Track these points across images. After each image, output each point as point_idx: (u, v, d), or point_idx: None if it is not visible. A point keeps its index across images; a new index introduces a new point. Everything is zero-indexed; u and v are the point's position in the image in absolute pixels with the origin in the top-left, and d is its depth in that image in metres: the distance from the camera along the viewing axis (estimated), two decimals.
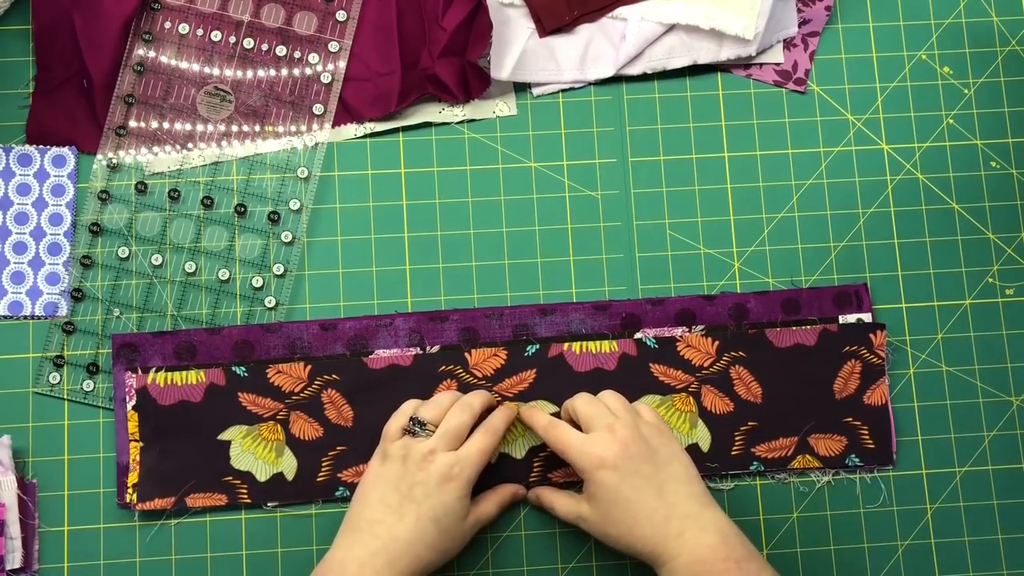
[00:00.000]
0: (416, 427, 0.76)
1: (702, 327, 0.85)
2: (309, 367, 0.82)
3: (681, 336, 0.84)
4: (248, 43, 0.87)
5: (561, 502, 0.79)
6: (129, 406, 0.81)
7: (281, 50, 0.87)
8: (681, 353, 0.84)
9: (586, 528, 0.77)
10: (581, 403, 0.77)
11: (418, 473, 0.74)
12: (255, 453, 0.82)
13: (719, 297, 0.86)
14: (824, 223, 0.88)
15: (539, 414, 0.79)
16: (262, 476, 0.82)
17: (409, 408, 0.78)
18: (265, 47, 0.87)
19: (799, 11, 0.90)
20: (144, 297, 0.84)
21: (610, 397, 0.78)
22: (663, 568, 0.72)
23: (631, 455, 0.73)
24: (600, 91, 0.89)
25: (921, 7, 0.92)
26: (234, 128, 0.86)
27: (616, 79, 0.89)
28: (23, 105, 0.86)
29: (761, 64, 0.90)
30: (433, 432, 0.76)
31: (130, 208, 0.85)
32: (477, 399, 0.79)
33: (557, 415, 0.82)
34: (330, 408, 0.82)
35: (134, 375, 0.81)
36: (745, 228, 0.88)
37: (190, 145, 0.86)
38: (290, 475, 0.82)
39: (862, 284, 0.87)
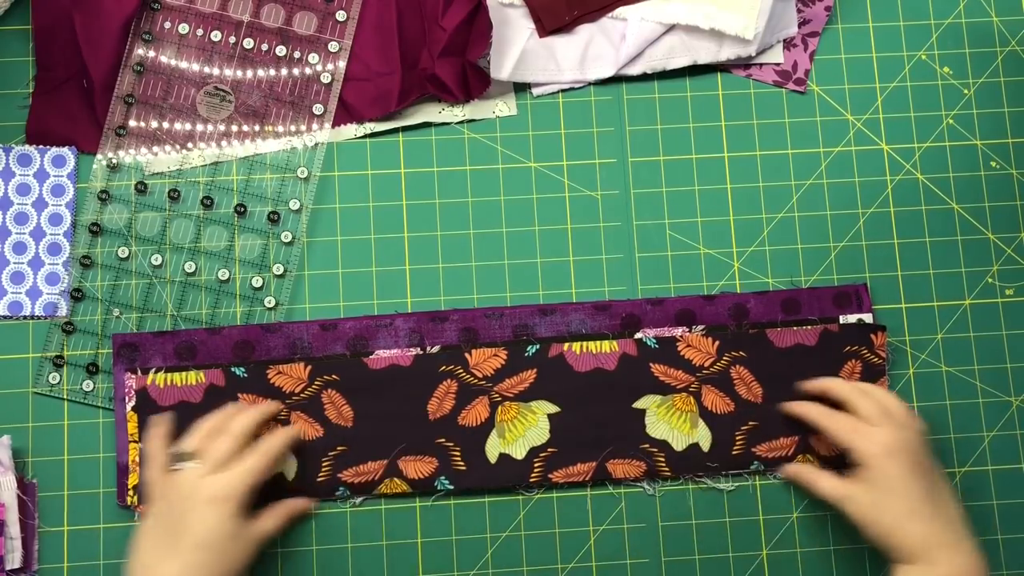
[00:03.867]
0: (180, 460, 0.75)
1: (702, 327, 0.85)
2: (309, 367, 0.82)
3: (681, 336, 0.84)
4: (248, 43, 0.87)
5: (827, 482, 0.79)
6: (128, 407, 0.81)
7: (281, 50, 0.87)
8: (681, 353, 0.84)
9: (851, 509, 0.77)
10: (865, 401, 0.78)
11: (184, 503, 0.73)
12: None
13: (719, 297, 0.86)
14: (824, 223, 0.88)
15: (812, 406, 0.80)
16: None
17: (152, 445, 0.78)
18: (265, 47, 0.87)
19: (799, 11, 0.90)
20: (144, 297, 0.84)
21: (892, 401, 0.79)
22: (913, 568, 0.74)
23: (915, 456, 0.76)
24: (600, 91, 0.89)
25: (921, 7, 0.92)
26: (234, 128, 0.86)
27: (616, 79, 0.89)
28: (23, 105, 0.86)
29: (761, 64, 0.90)
30: (197, 462, 0.75)
31: (130, 208, 0.85)
32: (238, 422, 0.77)
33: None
34: (330, 408, 0.82)
35: (133, 376, 0.81)
36: (745, 228, 0.88)
37: (190, 145, 0.86)
38: (291, 475, 0.82)
39: (862, 284, 0.87)
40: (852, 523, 0.77)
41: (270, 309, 0.84)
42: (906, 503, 0.74)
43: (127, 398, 0.81)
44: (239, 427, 0.77)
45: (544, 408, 0.83)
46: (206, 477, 0.74)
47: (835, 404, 0.81)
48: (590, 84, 0.89)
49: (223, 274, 0.85)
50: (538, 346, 0.84)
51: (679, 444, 0.83)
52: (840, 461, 0.84)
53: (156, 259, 0.85)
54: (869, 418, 0.78)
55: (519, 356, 0.84)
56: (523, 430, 0.83)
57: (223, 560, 0.73)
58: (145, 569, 0.73)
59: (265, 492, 0.81)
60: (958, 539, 0.75)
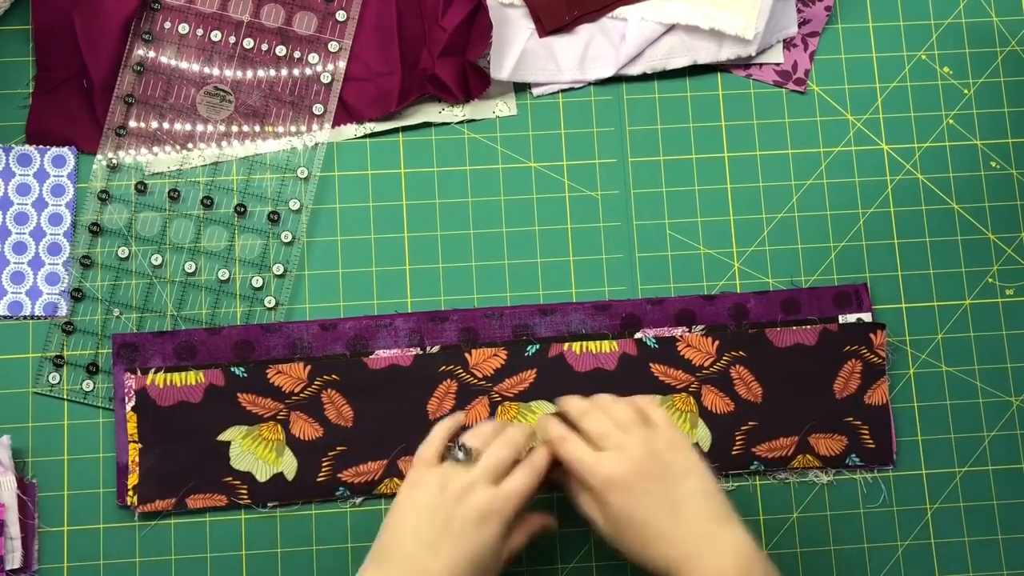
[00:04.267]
0: (460, 452, 0.71)
1: (702, 327, 0.85)
2: (309, 367, 0.82)
3: (681, 336, 0.84)
4: (248, 43, 0.87)
5: (580, 500, 0.73)
6: (128, 407, 0.81)
7: (281, 50, 0.87)
8: (681, 353, 0.84)
9: (599, 535, 0.73)
10: (588, 420, 0.73)
11: (456, 507, 0.69)
12: (255, 453, 0.82)
13: (719, 297, 0.86)
14: (824, 223, 0.88)
15: (554, 425, 0.74)
16: (262, 476, 0.82)
17: (442, 431, 0.74)
18: (265, 47, 0.87)
19: (799, 11, 0.90)
20: (144, 297, 0.84)
21: (618, 409, 0.73)
22: None
23: (643, 474, 0.70)
24: (600, 91, 0.89)
25: (921, 7, 0.92)
26: (234, 128, 0.86)
27: (616, 79, 0.89)
28: (23, 105, 0.86)
29: (761, 64, 0.90)
30: (475, 461, 0.71)
31: (130, 208, 0.85)
32: (521, 434, 0.73)
33: (558, 415, 0.82)
34: (330, 408, 0.82)
35: (133, 376, 0.81)
36: (745, 228, 0.88)
37: (190, 145, 0.86)
38: (290, 475, 0.82)
39: (862, 284, 0.87)
40: None
41: (270, 309, 0.84)
42: (639, 531, 0.69)
43: (127, 398, 0.81)
44: (518, 438, 0.73)
45: (544, 408, 0.83)
46: (484, 486, 0.70)
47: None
48: (590, 84, 0.89)
49: (223, 274, 0.85)
50: (538, 346, 0.84)
51: None
52: (840, 461, 0.84)
53: (156, 259, 0.85)
54: (592, 441, 0.72)
55: (519, 356, 0.84)
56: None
57: (483, 574, 0.70)
58: (406, 559, 0.68)
59: (266, 492, 0.82)
60: (710, 538, 0.69)
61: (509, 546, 0.72)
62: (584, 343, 0.84)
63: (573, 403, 0.75)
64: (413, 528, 0.69)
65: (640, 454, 0.70)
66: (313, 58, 0.87)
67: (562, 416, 0.75)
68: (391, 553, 0.69)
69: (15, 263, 0.84)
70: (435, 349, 0.84)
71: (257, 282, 0.85)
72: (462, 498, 0.69)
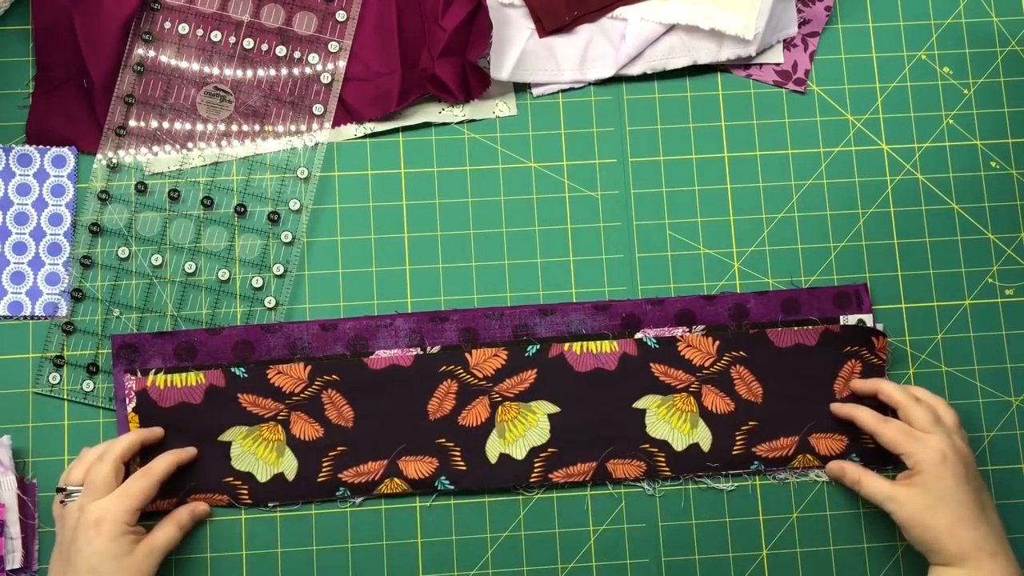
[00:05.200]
0: (64, 496, 0.77)
1: (702, 327, 0.85)
2: (309, 367, 0.82)
3: (682, 336, 0.84)
4: (248, 43, 0.87)
5: (872, 482, 0.80)
6: (129, 408, 0.81)
7: (281, 50, 0.87)
8: (682, 353, 0.84)
9: (898, 512, 0.78)
10: (918, 410, 0.79)
11: (74, 532, 0.75)
12: (255, 453, 0.82)
13: (719, 297, 0.86)
14: (824, 223, 0.88)
15: (863, 410, 0.81)
16: (263, 476, 0.82)
17: (61, 482, 0.79)
18: (265, 47, 0.87)
19: (799, 11, 0.90)
20: (144, 297, 0.84)
21: (942, 408, 0.81)
22: (954, 570, 0.76)
23: (968, 465, 0.78)
24: (600, 91, 0.89)
25: (921, 7, 0.92)
26: (234, 128, 0.86)
27: (616, 79, 0.89)
28: (23, 105, 0.86)
29: (761, 64, 0.90)
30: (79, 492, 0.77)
31: (130, 208, 0.85)
32: (115, 448, 0.78)
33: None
34: (330, 408, 0.82)
35: (133, 378, 0.81)
36: (745, 228, 0.88)
37: (190, 145, 0.86)
38: (291, 475, 0.82)
39: (862, 284, 0.87)
40: (896, 523, 0.78)
41: (270, 309, 0.84)
42: (956, 510, 0.76)
43: (128, 400, 0.81)
44: (115, 452, 0.77)
45: (544, 408, 0.83)
46: (88, 503, 0.75)
47: (880, 405, 0.82)
48: (590, 84, 0.89)
49: (223, 274, 0.85)
50: (538, 346, 0.84)
51: (679, 444, 0.83)
52: (842, 458, 0.84)
53: (156, 259, 0.85)
54: (921, 424, 0.79)
55: (519, 356, 0.84)
56: (523, 430, 0.83)
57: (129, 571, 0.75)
58: None
59: (269, 494, 0.82)
60: (999, 546, 0.76)
61: (151, 542, 0.77)
62: (584, 343, 0.84)
63: (897, 389, 0.81)
64: (54, 573, 0.76)
65: (963, 448, 0.79)
66: (313, 58, 0.87)
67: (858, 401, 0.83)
68: None
69: (15, 263, 0.84)
70: (435, 349, 0.84)
71: (257, 282, 0.85)
72: (75, 522, 0.75)
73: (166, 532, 0.78)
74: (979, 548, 0.76)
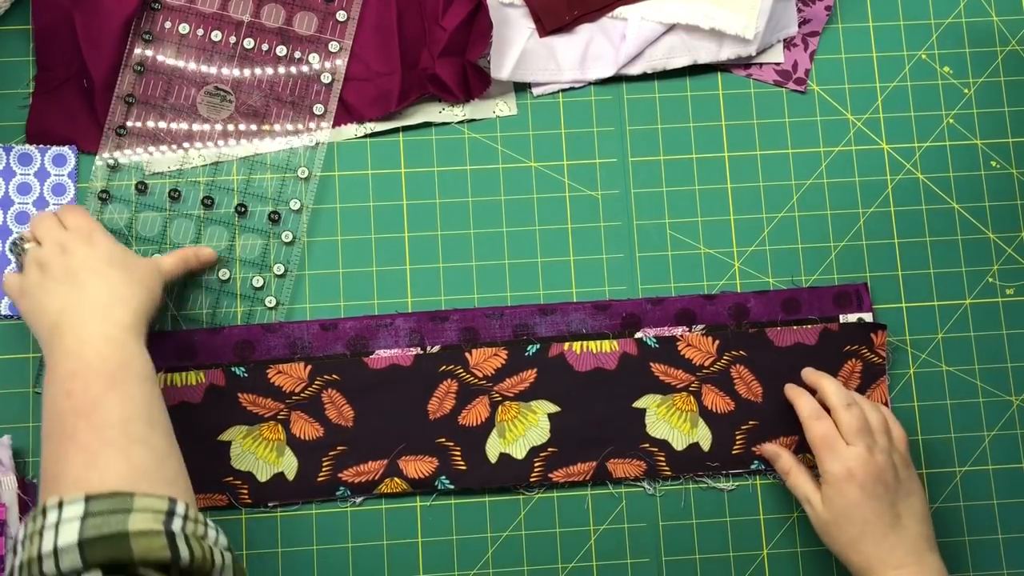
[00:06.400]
0: (24, 244, 0.75)
1: (702, 327, 0.85)
2: (309, 367, 0.82)
3: (682, 335, 0.84)
4: (248, 43, 0.87)
5: (799, 479, 0.79)
6: None
7: (281, 50, 0.87)
8: (682, 352, 0.84)
9: (808, 513, 0.78)
10: (849, 414, 0.77)
11: (65, 256, 0.73)
12: (256, 453, 0.82)
13: (719, 297, 0.86)
14: (824, 223, 0.88)
15: (807, 400, 0.80)
16: (263, 476, 0.82)
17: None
18: (265, 47, 0.87)
19: (799, 11, 0.90)
20: None
21: (874, 415, 0.78)
22: None
23: (880, 479, 0.75)
24: (600, 91, 0.89)
25: (921, 7, 0.92)
26: (234, 128, 0.86)
27: (616, 79, 0.89)
28: (23, 105, 0.86)
29: (761, 64, 0.90)
30: (37, 241, 0.75)
31: (130, 208, 0.85)
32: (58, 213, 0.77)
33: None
34: (330, 408, 0.82)
35: None
36: (745, 228, 0.88)
37: (190, 145, 0.86)
38: (291, 475, 0.82)
39: (862, 284, 0.87)
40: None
41: (270, 309, 0.84)
42: (860, 526, 0.75)
43: None
44: (62, 213, 0.77)
45: (544, 408, 0.83)
46: (71, 231, 0.74)
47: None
48: (590, 84, 0.89)
49: (223, 274, 0.85)
50: (538, 346, 0.84)
51: (679, 444, 0.83)
52: None
53: None
54: (846, 431, 0.77)
55: (519, 356, 0.84)
56: (523, 430, 0.83)
57: (136, 274, 0.74)
58: (61, 314, 0.71)
59: (269, 494, 0.82)
60: (907, 557, 0.75)
61: (158, 262, 0.77)
62: (584, 343, 0.84)
63: (836, 390, 0.79)
64: (43, 299, 0.72)
65: (883, 460, 0.76)
66: (313, 58, 0.87)
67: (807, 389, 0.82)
68: (57, 324, 0.70)
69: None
70: (435, 349, 0.84)
71: (257, 282, 0.85)
72: (63, 247, 0.73)
73: (171, 260, 0.78)
74: (882, 562, 0.75)
